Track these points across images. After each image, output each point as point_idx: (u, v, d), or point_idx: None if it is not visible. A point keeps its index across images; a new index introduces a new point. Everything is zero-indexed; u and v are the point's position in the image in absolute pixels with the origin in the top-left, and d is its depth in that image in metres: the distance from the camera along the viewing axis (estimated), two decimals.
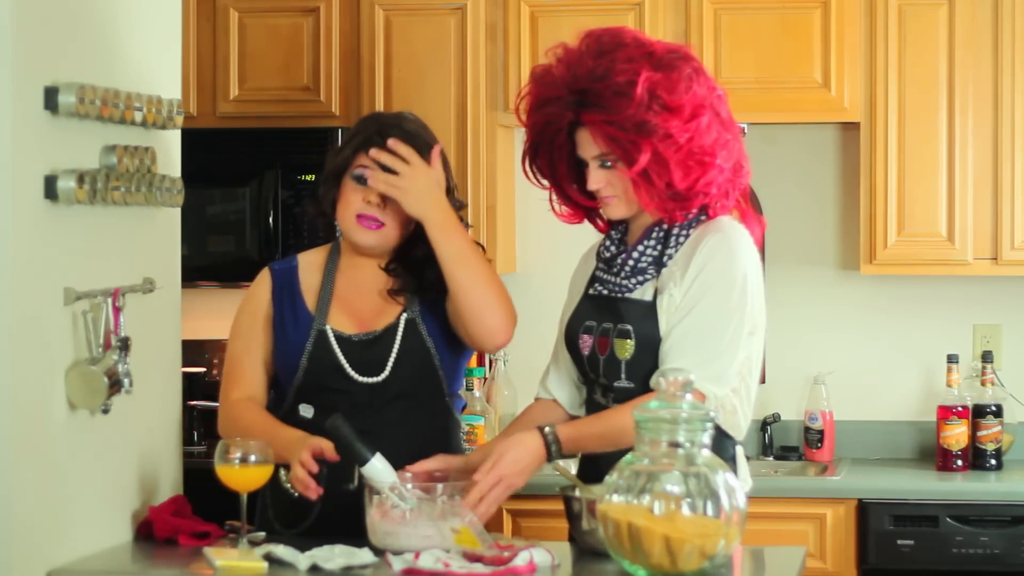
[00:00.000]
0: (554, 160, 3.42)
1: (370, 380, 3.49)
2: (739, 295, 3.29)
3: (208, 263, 5.35)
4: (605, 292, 3.41)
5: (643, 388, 3.28)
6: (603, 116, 3.27)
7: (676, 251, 3.34)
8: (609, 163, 3.33)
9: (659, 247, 3.35)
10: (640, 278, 3.35)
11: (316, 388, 3.52)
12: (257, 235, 5.33)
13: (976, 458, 5.17)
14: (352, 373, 3.49)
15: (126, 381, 3.34)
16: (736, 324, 3.28)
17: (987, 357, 5.24)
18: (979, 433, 5.17)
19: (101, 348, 3.32)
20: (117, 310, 3.36)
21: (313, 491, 3.30)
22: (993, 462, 5.17)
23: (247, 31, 5.40)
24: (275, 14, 5.38)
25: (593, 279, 3.47)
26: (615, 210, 3.39)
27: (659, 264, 3.34)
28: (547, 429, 3.26)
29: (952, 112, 5.11)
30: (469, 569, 3.08)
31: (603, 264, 3.45)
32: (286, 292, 3.59)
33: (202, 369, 5.59)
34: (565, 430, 3.28)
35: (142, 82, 3.53)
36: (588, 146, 3.34)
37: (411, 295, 3.54)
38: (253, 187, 5.33)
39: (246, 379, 3.57)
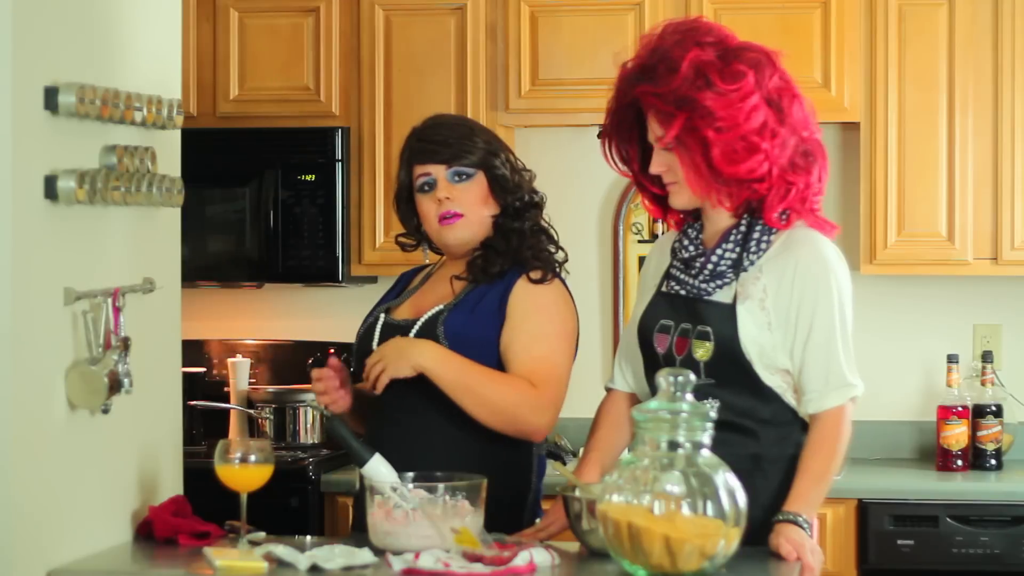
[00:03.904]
0: (625, 142, 3.46)
1: None
2: (840, 303, 3.33)
3: (208, 263, 5.36)
4: (683, 292, 3.40)
5: (723, 385, 3.29)
6: (651, 88, 3.31)
7: (757, 257, 3.35)
8: (671, 147, 3.35)
9: (737, 249, 3.35)
10: (719, 281, 3.36)
11: (361, 373, 3.60)
12: (257, 235, 5.33)
13: (976, 458, 5.18)
14: None
15: (126, 381, 3.34)
16: (846, 327, 3.34)
17: (987, 357, 5.24)
18: (979, 433, 5.18)
19: (101, 348, 3.32)
20: (117, 310, 3.36)
21: (337, 400, 3.50)
22: (993, 462, 5.17)
23: (247, 31, 5.40)
24: (275, 14, 5.38)
25: (668, 276, 3.46)
26: (676, 198, 3.40)
27: (738, 267, 3.35)
28: (793, 518, 3.23)
29: (952, 112, 5.12)
30: (469, 569, 3.08)
31: (680, 263, 3.44)
32: (394, 288, 3.76)
33: (202, 369, 5.59)
34: (801, 507, 3.24)
35: (142, 82, 3.53)
36: (651, 129, 3.38)
37: (469, 284, 3.56)
38: (253, 187, 5.33)
39: None
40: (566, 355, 3.55)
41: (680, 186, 3.37)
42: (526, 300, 3.52)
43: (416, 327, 3.53)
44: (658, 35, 3.39)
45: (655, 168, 3.38)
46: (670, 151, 3.34)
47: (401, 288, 3.74)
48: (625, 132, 3.45)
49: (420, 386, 3.45)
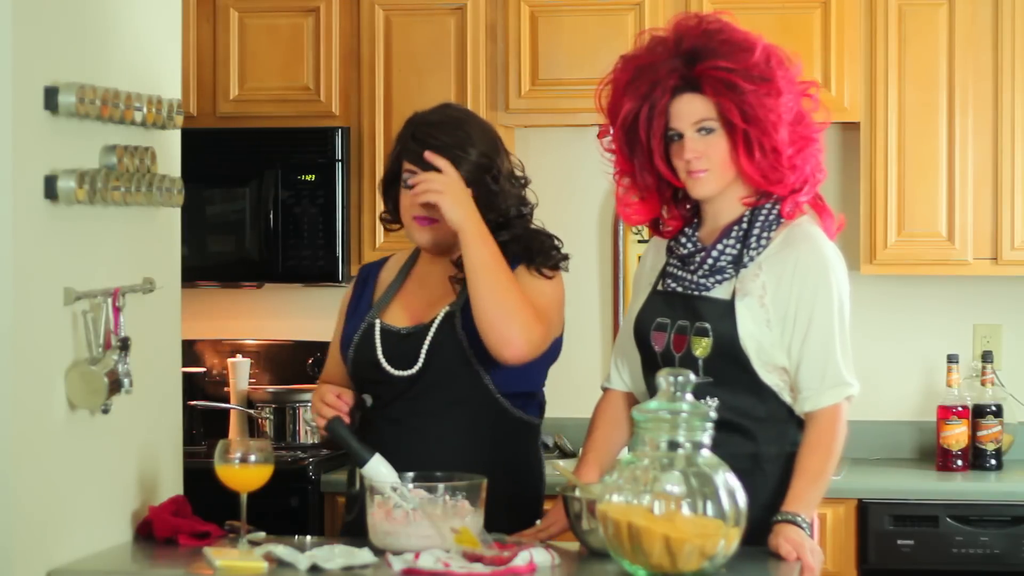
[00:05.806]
0: (651, 132, 3.36)
1: (403, 373, 3.49)
2: (839, 302, 3.34)
3: (208, 263, 5.36)
4: (680, 289, 3.40)
5: (720, 383, 3.29)
6: (725, 63, 3.29)
7: (757, 253, 3.35)
8: (711, 128, 3.31)
9: (738, 246, 3.35)
10: (719, 277, 3.35)
11: (360, 380, 3.57)
12: (257, 235, 5.33)
13: (976, 458, 5.18)
14: (387, 367, 3.51)
15: (126, 381, 3.34)
16: (844, 326, 3.35)
17: (987, 357, 5.24)
18: (979, 433, 5.18)
19: (101, 348, 3.32)
20: (117, 310, 3.36)
21: (321, 420, 3.49)
22: (993, 462, 5.17)
23: (247, 31, 5.40)
24: (275, 14, 5.38)
25: (664, 275, 3.45)
26: (704, 185, 3.35)
27: (738, 264, 3.35)
28: (792, 518, 3.23)
29: (952, 112, 5.12)
30: (469, 569, 3.08)
31: (677, 260, 3.43)
32: (366, 286, 3.68)
33: (202, 369, 5.59)
34: (800, 507, 3.25)
35: (142, 82, 3.53)
36: (689, 112, 3.32)
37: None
38: (253, 187, 5.33)
39: (328, 368, 3.71)
40: (557, 326, 3.51)
41: (711, 174, 3.34)
42: (527, 286, 3.46)
43: (431, 333, 3.49)
44: (674, 26, 3.39)
45: (689, 153, 3.32)
46: (707, 136, 3.31)
47: (372, 284, 3.67)
48: (657, 117, 3.35)
49: (437, 389, 3.46)
